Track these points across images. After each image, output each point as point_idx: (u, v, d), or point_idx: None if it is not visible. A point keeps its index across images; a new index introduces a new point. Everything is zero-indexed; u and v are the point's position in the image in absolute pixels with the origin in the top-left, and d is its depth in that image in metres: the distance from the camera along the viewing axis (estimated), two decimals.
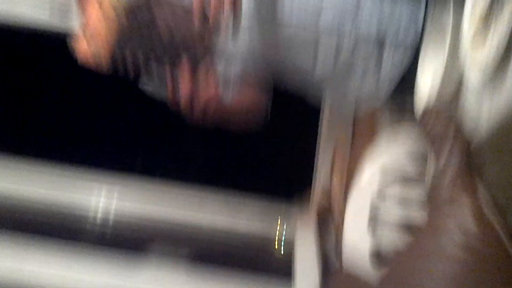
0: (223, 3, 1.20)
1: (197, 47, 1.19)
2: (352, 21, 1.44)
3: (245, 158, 2.57)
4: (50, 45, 2.20)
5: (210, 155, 2.61)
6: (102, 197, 2.27)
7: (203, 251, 2.18)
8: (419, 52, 1.23)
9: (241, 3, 1.23)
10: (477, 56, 0.89)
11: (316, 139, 2.27)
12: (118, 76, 1.16)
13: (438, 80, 1.01)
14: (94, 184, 2.28)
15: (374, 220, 1.46)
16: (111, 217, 2.26)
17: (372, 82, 1.51)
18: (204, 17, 1.16)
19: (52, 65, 2.35)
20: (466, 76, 0.91)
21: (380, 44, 1.46)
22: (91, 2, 1.12)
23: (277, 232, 2.23)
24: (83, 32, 1.12)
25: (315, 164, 2.28)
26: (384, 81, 1.51)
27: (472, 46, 0.91)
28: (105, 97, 2.44)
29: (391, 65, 1.49)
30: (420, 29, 1.45)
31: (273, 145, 2.42)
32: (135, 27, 1.12)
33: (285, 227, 2.23)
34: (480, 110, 0.90)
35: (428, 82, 1.13)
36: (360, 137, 2.08)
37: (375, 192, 1.25)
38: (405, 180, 1.33)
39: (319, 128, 2.25)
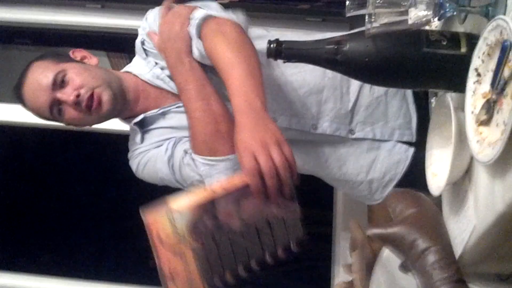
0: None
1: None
2: (347, 125, 1.47)
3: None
4: None
5: None
6: None
7: None
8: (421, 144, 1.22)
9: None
10: (485, 133, 0.91)
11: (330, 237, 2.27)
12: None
13: (448, 165, 1.02)
14: None
15: None
16: None
17: (363, 186, 1.52)
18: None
19: None
20: (476, 155, 0.92)
21: (375, 145, 1.49)
22: (153, 245, 1.05)
23: None
24: (168, 280, 1.05)
25: (332, 260, 2.26)
26: (376, 186, 1.51)
27: (478, 124, 0.93)
28: None
29: (385, 168, 1.49)
30: (415, 127, 1.48)
31: None
32: (207, 243, 1.06)
33: None
34: (493, 188, 0.90)
35: (438, 168, 1.13)
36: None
37: (398, 263, 1.23)
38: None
39: (333, 231, 2.26)
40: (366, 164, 1.49)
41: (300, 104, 1.46)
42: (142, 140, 1.52)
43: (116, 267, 2.62)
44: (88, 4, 2.37)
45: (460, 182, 1.07)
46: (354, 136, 1.48)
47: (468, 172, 1.05)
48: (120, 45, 2.60)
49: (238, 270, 1.08)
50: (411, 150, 1.46)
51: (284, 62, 1.11)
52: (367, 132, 1.48)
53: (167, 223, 1.02)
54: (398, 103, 1.48)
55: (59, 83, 1.41)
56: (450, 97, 1.05)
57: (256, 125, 1.11)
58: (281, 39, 1.09)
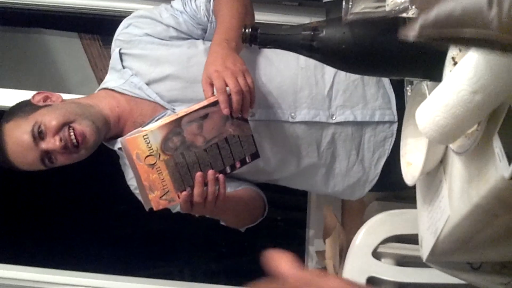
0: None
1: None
2: (326, 110, 1.46)
3: (236, 252, 2.56)
4: None
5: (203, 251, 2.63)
6: None
7: None
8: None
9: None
10: None
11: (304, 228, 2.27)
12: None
13: (423, 155, 1.01)
14: None
15: (371, 280, 1.45)
16: None
17: (356, 167, 1.52)
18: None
19: None
20: (451, 145, 0.91)
21: (359, 127, 1.49)
22: (133, 163, 1.25)
23: None
24: (147, 190, 1.26)
25: (306, 246, 2.26)
26: (369, 164, 1.52)
27: None
28: None
29: (373, 147, 1.50)
30: (394, 106, 1.49)
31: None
32: (176, 157, 1.27)
33: None
34: (468, 180, 0.90)
35: (413, 157, 1.12)
36: (349, 222, 2.08)
37: (371, 251, 1.25)
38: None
39: (307, 218, 2.25)
40: (354, 146, 1.51)
41: (275, 95, 1.46)
42: None
43: (113, 259, 2.59)
44: None
45: (435, 172, 1.07)
46: (335, 120, 1.48)
47: (442, 162, 1.04)
48: (92, 26, 2.55)
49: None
50: (395, 125, 1.47)
51: (260, 47, 1.11)
52: (347, 115, 1.49)
53: (143, 142, 1.24)
54: (375, 84, 1.50)
55: (38, 135, 1.39)
56: (426, 86, 1.04)
57: (228, 56, 1.30)
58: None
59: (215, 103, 1.29)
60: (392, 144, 1.49)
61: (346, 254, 1.67)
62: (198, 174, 1.27)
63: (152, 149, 1.25)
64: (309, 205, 2.26)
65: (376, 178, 1.55)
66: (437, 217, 1.03)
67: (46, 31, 2.79)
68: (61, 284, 2.26)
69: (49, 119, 1.40)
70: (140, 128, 1.29)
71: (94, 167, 1.94)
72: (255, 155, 1.38)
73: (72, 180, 2.61)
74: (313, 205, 2.24)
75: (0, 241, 2.52)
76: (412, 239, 1.39)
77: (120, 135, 1.49)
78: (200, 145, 1.29)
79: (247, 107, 1.29)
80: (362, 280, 1.59)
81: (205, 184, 1.28)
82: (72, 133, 1.39)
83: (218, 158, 1.32)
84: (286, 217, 2.56)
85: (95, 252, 2.67)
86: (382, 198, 1.89)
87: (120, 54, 1.50)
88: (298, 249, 2.28)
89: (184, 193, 1.27)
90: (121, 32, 1.52)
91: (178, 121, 1.27)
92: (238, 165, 1.35)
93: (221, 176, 1.30)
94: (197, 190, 1.27)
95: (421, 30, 0.68)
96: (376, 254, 1.65)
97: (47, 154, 1.41)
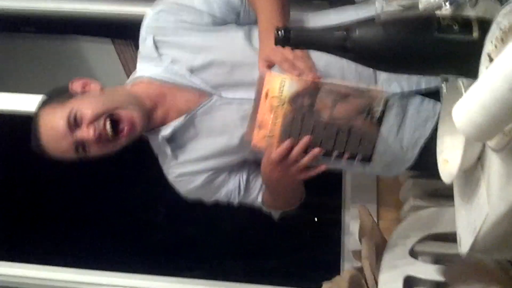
0: None
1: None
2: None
3: (271, 248, 2.57)
4: None
5: (235, 248, 2.64)
6: None
7: None
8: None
9: None
10: None
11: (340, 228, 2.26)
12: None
13: (460, 153, 1.00)
14: None
15: (408, 279, 1.44)
16: None
17: (394, 146, 1.50)
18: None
19: None
20: (489, 142, 0.90)
21: (404, 102, 1.47)
22: (259, 96, 1.27)
23: None
24: (256, 126, 1.29)
25: (341, 246, 2.25)
26: (407, 143, 1.50)
27: None
28: None
29: (414, 126, 1.48)
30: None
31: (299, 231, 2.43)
32: (296, 116, 1.28)
33: None
34: (506, 177, 0.89)
35: (449, 155, 1.11)
36: (386, 220, 2.07)
37: (407, 250, 1.24)
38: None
39: (342, 217, 2.25)
40: (396, 122, 1.49)
41: (323, 74, 1.45)
42: (176, 155, 1.49)
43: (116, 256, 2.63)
44: None
45: (472, 170, 1.05)
46: None
47: (480, 160, 1.03)
48: (125, 32, 2.59)
49: (307, 150, 1.31)
50: (439, 105, 1.45)
51: (292, 49, 1.11)
52: (394, 87, 1.47)
53: (278, 84, 1.26)
54: None
55: (73, 123, 1.38)
56: (461, 83, 1.03)
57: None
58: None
59: (362, 91, 1.28)
60: (433, 125, 1.46)
61: (383, 253, 1.66)
62: (307, 138, 1.28)
63: (282, 94, 1.26)
64: (344, 204, 2.26)
65: (413, 159, 1.53)
66: (475, 215, 1.02)
67: (81, 37, 2.83)
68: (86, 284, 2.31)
69: (85, 107, 1.38)
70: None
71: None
72: (366, 159, 1.34)
73: (98, 177, 2.65)
74: (348, 204, 2.23)
75: (12, 239, 2.56)
76: (449, 238, 1.37)
77: (162, 124, 1.48)
78: (324, 118, 1.29)
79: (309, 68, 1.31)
80: (400, 280, 1.58)
81: (305, 151, 1.31)
82: (108, 124, 1.38)
83: (331, 139, 1.30)
84: (320, 217, 2.55)
85: (114, 251, 2.70)
86: (417, 176, 1.87)
87: (154, 41, 1.48)
88: (333, 249, 2.27)
89: (286, 142, 1.29)
90: (153, 19, 1.50)
91: (318, 85, 1.27)
92: (346, 156, 1.32)
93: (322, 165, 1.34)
94: (297, 150, 1.28)
95: None
96: (413, 253, 1.64)
97: (81, 143, 1.39)
